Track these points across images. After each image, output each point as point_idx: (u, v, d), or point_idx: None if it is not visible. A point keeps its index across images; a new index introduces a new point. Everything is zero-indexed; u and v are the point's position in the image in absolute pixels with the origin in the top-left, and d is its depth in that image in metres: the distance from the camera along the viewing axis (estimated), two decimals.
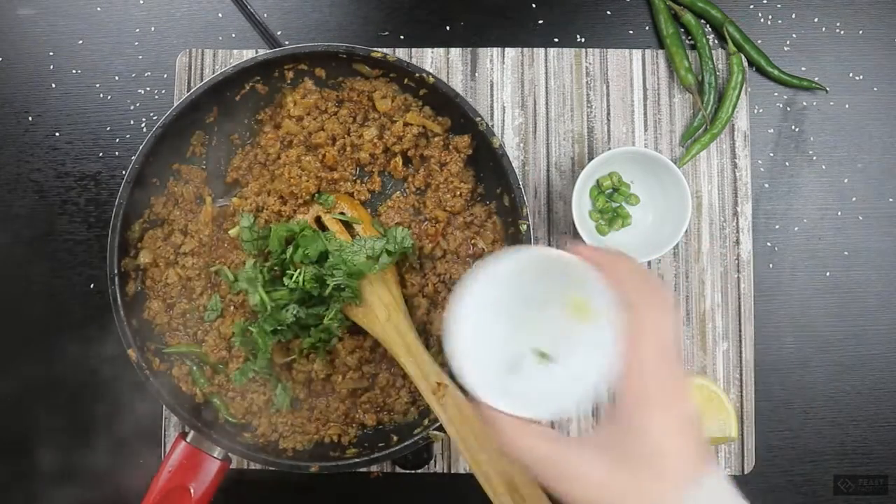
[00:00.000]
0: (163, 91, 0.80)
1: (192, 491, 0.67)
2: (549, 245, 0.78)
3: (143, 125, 0.80)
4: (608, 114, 0.79)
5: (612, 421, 0.46)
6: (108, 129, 0.80)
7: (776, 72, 0.78)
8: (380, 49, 0.71)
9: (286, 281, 0.69)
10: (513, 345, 0.50)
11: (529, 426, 0.47)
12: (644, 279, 0.46)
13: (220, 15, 0.81)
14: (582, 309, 0.48)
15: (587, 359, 0.47)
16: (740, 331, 0.77)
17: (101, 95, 0.80)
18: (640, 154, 0.73)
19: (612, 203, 0.76)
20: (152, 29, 0.80)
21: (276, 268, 0.71)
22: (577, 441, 0.48)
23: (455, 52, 0.79)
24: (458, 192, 0.74)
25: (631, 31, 0.80)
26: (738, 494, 0.46)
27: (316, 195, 0.74)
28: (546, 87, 0.79)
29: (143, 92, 0.80)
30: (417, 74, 0.71)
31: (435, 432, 0.68)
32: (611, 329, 0.45)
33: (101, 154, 0.80)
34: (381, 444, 0.70)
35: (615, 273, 0.46)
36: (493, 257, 0.47)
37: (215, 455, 0.68)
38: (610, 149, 0.77)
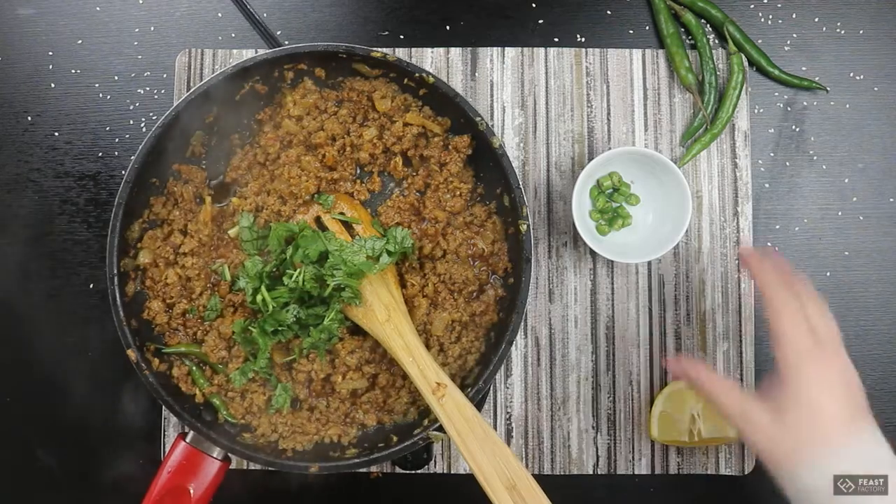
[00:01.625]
0: (162, 91, 0.80)
1: (191, 491, 0.67)
2: None
3: (142, 125, 0.80)
4: (608, 114, 0.79)
5: (773, 382, 0.58)
6: (108, 128, 0.80)
7: (776, 72, 0.78)
8: (380, 49, 0.71)
9: (286, 280, 0.69)
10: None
11: (724, 381, 0.61)
12: (778, 280, 0.60)
13: (219, 15, 0.81)
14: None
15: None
16: (740, 331, 0.77)
17: (101, 95, 0.80)
18: (640, 154, 0.73)
19: (613, 203, 0.76)
20: (152, 29, 0.80)
21: (275, 268, 0.71)
22: (753, 394, 0.60)
23: (455, 52, 0.79)
24: (458, 192, 0.74)
25: (631, 31, 0.80)
26: (891, 450, 0.55)
27: (316, 195, 0.74)
28: (546, 87, 0.79)
29: (142, 92, 0.80)
30: (417, 74, 0.71)
31: (435, 432, 0.68)
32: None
33: (100, 154, 0.79)
34: (381, 444, 0.70)
35: (755, 273, 0.62)
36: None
37: (215, 455, 0.68)
38: (610, 149, 0.77)
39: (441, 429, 0.66)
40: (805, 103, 0.80)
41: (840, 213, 0.79)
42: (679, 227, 0.71)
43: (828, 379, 0.57)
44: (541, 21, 0.80)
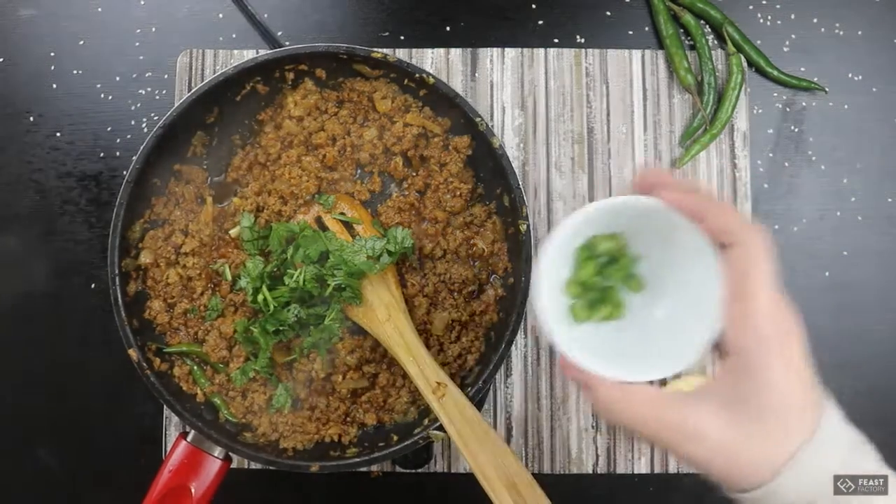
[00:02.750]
0: (163, 91, 0.80)
1: (192, 490, 0.67)
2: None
3: (143, 125, 0.80)
4: (608, 114, 0.79)
5: (728, 372, 0.43)
6: (109, 129, 0.80)
7: (775, 72, 0.79)
8: (380, 49, 0.72)
9: (286, 280, 0.69)
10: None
11: (635, 390, 0.44)
12: (739, 218, 0.44)
13: (220, 15, 0.81)
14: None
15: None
16: None
17: (103, 96, 0.80)
18: (665, 217, 0.45)
19: (603, 279, 0.50)
20: (153, 29, 0.81)
21: (276, 268, 0.71)
22: (692, 399, 0.44)
23: (455, 53, 0.79)
24: (458, 193, 0.74)
25: (630, 32, 0.81)
26: (854, 431, 0.46)
27: (316, 195, 0.74)
28: (546, 88, 0.79)
29: (143, 92, 0.80)
30: (417, 75, 0.71)
31: (435, 432, 0.68)
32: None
33: (102, 154, 0.80)
34: (381, 444, 0.70)
35: (715, 221, 0.43)
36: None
37: (216, 455, 0.68)
38: (610, 150, 0.77)
39: (441, 428, 0.66)
40: (804, 104, 0.80)
41: (839, 214, 0.79)
42: (699, 337, 0.45)
43: (794, 369, 0.43)
44: (541, 22, 0.81)
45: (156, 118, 0.79)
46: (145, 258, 0.73)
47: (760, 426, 0.42)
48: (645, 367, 0.45)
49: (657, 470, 0.76)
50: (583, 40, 0.80)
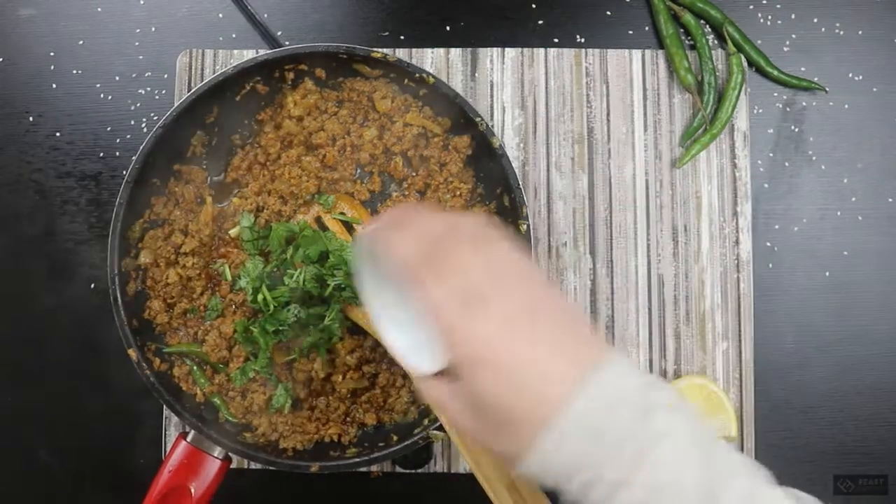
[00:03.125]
0: (163, 91, 0.80)
1: (192, 490, 0.67)
2: None
3: (143, 125, 0.80)
4: (608, 114, 0.79)
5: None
6: (109, 129, 0.80)
7: (776, 72, 0.79)
8: (380, 49, 0.71)
9: (286, 280, 0.69)
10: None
11: (431, 380, 0.46)
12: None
13: (220, 15, 0.81)
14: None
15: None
16: (740, 331, 0.77)
17: (102, 96, 0.80)
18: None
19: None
20: (153, 29, 0.81)
21: (275, 269, 0.71)
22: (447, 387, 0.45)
23: (455, 53, 0.79)
24: (458, 193, 0.74)
25: (631, 32, 0.81)
26: (643, 373, 0.42)
27: (316, 195, 0.74)
28: (546, 88, 0.79)
29: (143, 92, 0.80)
30: (417, 75, 0.71)
31: (435, 432, 0.68)
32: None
33: (101, 154, 0.80)
34: (381, 444, 0.70)
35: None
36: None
37: (215, 455, 0.68)
38: (610, 150, 0.77)
39: (441, 428, 0.66)
40: (804, 104, 0.80)
41: (839, 213, 0.79)
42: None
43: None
44: (540, 22, 0.81)
45: (155, 118, 0.79)
46: (145, 258, 0.73)
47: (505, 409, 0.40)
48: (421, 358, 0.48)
49: None
50: (583, 40, 0.80)
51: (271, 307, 0.69)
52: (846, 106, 0.80)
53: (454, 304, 0.40)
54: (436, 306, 0.41)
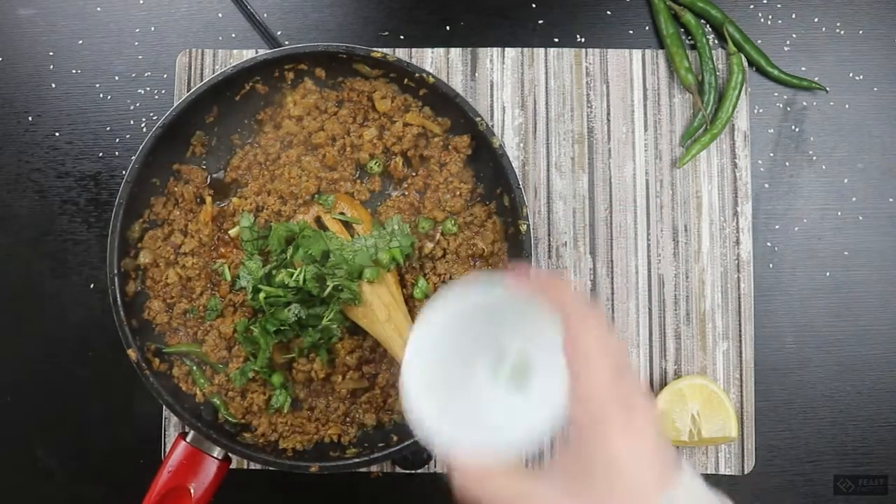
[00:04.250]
0: (163, 91, 0.80)
1: (192, 491, 0.67)
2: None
3: (143, 125, 0.80)
4: (608, 114, 0.79)
5: (569, 449, 0.43)
6: (108, 129, 0.80)
7: (776, 72, 0.78)
8: (380, 49, 0.71)
9: (286, 280, 0.69)
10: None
11: (490, 467, 0.44)
12: (578, 298, 0.45)
13: (220, 15, 0.81)
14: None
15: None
16: (740, 331, 0.77)
17: (102, 95, 0.80)
18: (512, 302, 0.48)
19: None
20: (152, 29, 0.80)
21: (274, 270, 0.71)
22: (537, 475, 0.44)
23: (455, 52, 0.79)
24: (458, 192, 0.74)
25: (631, 31, 0.80)
26: (710, 490, 0.44)
27: (316, 195, 0.74)
28: (546, 87, 0.79)
29: (143, 92, 0.80)
30: (417, 74, 0.71)
31: None
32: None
33: (101, 154, 0.80)
34: (381, 444, 0.70)
35: (552, 297, 0.45)
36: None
37: (215, 455, 0.68)
38: (610, 150, 0.77)
39: None
40: (804, 103, 0.80)
41: (839, 213, 0.79)
42: (546, 411, 0.46)
43: (640, 442, 0.42)
44: (541, 21, 0.81)
45: (155, 118, 0.79)
46: (144, 258, 0.73)
47: (607, 499, 0.41)
48: (497, 443, 0.45)
49: None
50: (583, 40, 0.80)
51: (279, 297, 0.68)
52: (847, 106, 0.80)
53: (609, 372, 0.42)
54: (594, 366, 0.42)
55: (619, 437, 0.41)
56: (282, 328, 0.69)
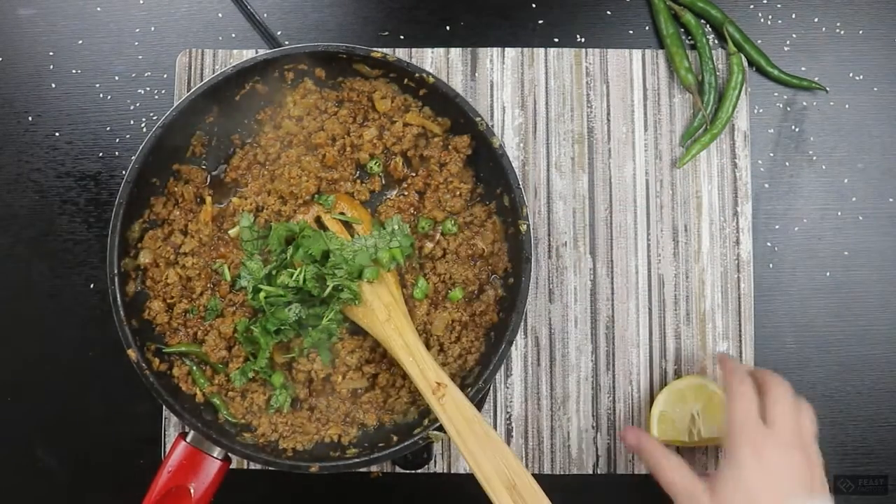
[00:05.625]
0: (163, 91, 0.80)
1: (192, 491, 0.67)
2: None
3: (143, 125, 0.80)
4: (608, 114, 0.79)
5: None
6: (108, 129, 0.80)
7: (776, 72, 0.78)
8: (380, 49, 0.71)
9: (286, 279, 0.69)
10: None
11: (672, 458, 0.64)
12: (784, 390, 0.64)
13: (220, 15, 0.81)
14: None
15: None
16: (740, 331, 0.77)
17: (101, 95, 0.80)
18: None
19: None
20: (152, 29, 0.80)
21: (274, 271, 0.71)
22: (700, 474, 0.63)
23: (455, 52, 0.79)
24: (458, 192, 0.74)
25: (631, 31, 0.80)
26: None
27: (316, 195, 0.74)
28: (546, 87, 0.79)
29: (143, 92, 0.80)
30: (417, 74, 0.71)
31: (435, 432, 0.68)
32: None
33: (101, 154, 0.80)
34: (381, 444, 0.70)
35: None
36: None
37: (215, 455, 0.68)
38: (610, 150, 0.77)
39: (441, 428, 0.66)
40: (804, 103, 0.80)
41: (839, 213, 0.79)
42: None
43: (767, 466, 0.59)
44: (541, 21, 0.81)
45: (155, 118, 0.79)
46: (144, 258, 0.73)
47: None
48: None
49: None
50: (583, 40, 0.80)
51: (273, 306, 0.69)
52: (847, 106, 0.80)
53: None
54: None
55: (749, 458, 0.61)
56: (282, 328, 0.69)
